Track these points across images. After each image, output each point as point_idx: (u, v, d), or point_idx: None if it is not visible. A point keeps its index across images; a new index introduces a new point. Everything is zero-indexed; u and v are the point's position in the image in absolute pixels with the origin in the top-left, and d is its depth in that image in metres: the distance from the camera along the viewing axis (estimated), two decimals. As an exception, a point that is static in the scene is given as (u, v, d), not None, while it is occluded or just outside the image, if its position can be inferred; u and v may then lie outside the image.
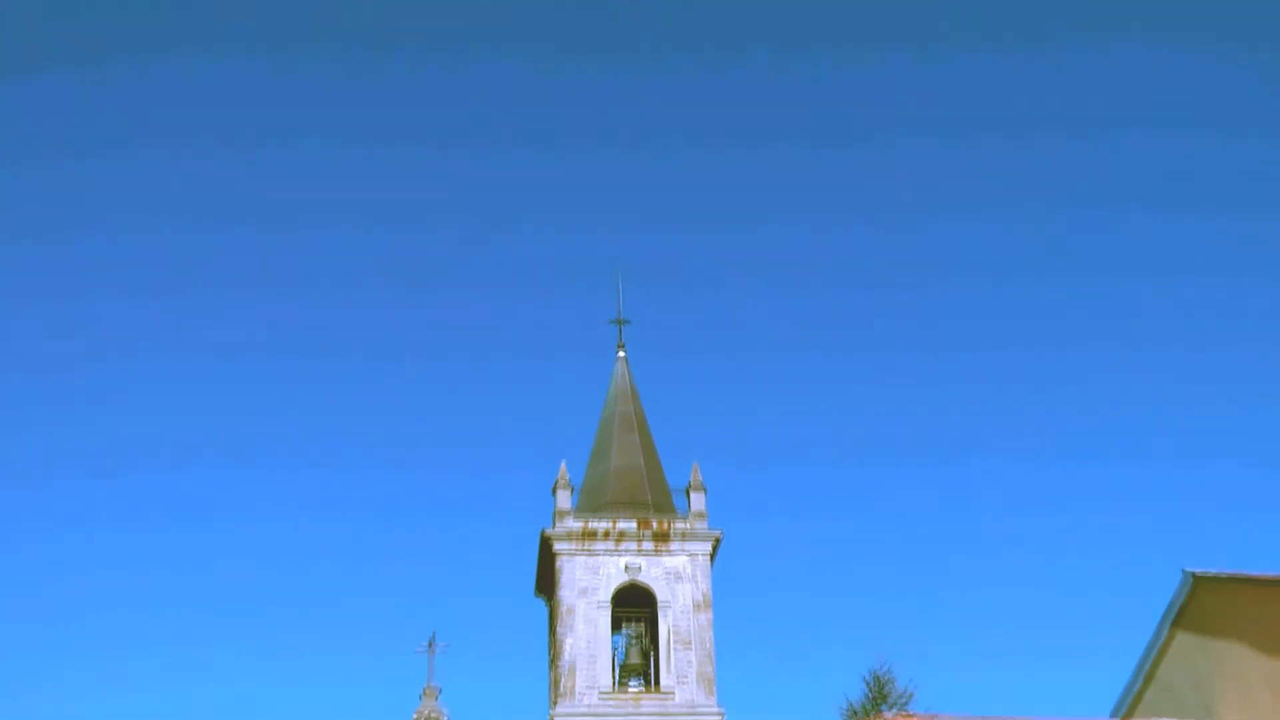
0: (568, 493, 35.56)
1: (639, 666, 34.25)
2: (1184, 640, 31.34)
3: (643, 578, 34.67)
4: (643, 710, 33.10)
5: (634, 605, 34.60)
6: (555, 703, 33.37)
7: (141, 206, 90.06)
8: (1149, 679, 32.94)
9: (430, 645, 23.96)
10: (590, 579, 34.46)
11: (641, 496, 36.04)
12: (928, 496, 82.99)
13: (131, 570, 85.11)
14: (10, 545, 79.52)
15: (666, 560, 34.81)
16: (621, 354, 40.08)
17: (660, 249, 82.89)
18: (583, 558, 34.60)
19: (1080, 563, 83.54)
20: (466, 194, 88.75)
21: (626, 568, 34.70)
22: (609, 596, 34.34)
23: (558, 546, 34.59)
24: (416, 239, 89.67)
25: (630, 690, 33.78)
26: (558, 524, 34.89)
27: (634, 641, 34.50)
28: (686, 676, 33.46)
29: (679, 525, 35.19)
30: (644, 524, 35.03)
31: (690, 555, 34.82)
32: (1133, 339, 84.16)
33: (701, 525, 35.28)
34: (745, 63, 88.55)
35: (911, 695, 42.61)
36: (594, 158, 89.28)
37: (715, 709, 33.10)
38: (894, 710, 40.46)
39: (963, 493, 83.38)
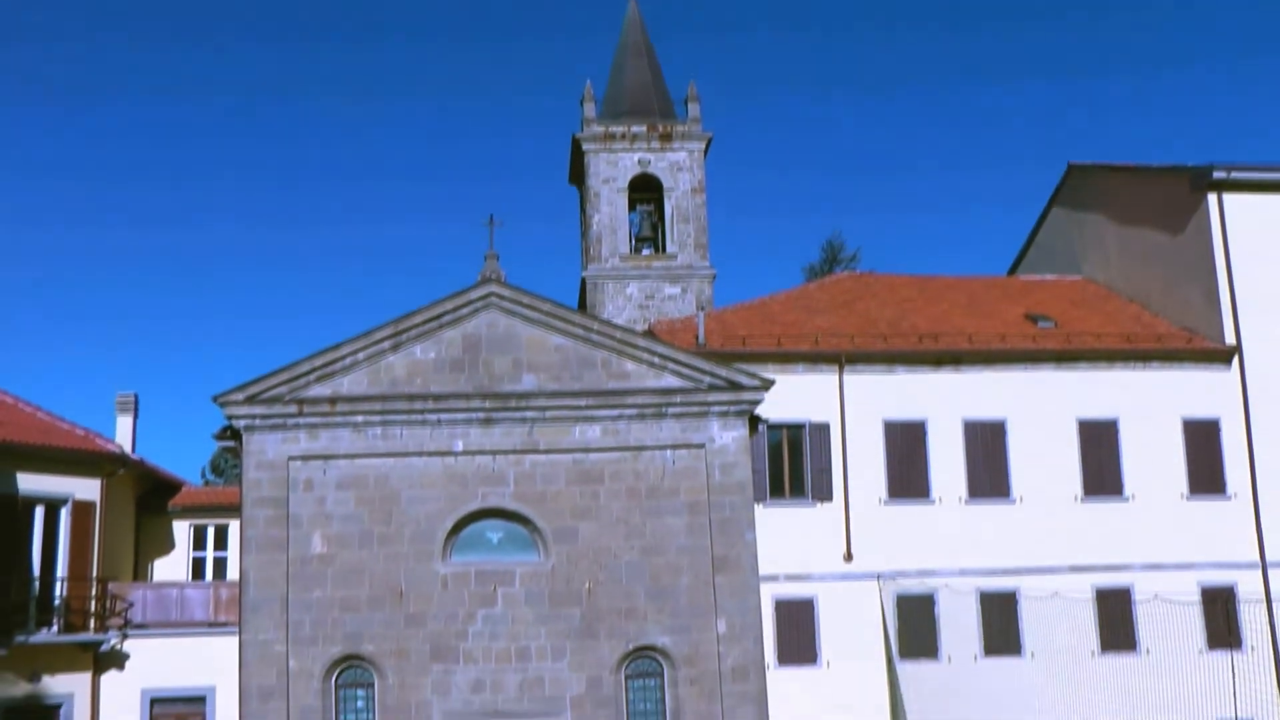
0: (592, 105, 42.42)
1: (650, 237, 41.99)
2: (1061, 213, 39.58)
3: (651, 169, 41.83)
4: (653, 270, 41.07)
5: (645, 191, 42.06)
6: (586, 266, 41.44)
7: None
8: (1032, 243, 41.65)
9: (490, 221, 26.32)
10: (611, 171, 41.71)
11: (650, 106, 43.00)
12: (872, 111, 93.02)
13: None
14: None
15: (670, 155, 41.89)
16: (633, -6, 45.96)
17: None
18: (605, 154, 41.72)
19: (989, 154, 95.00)
20: None
21: (639, 162, 41.80)
22: (626, 184, 41.61)
23: (585, 146, 41.85)
24: None
25: (643, 255, 41.56)
26: (585, 129, 42.04)
27: (645, 218, 42.07)
28: (686, 244, 41.28)
29: (679, 128, 42.08)
30: (652, 128, 41.97)
31: (688, 151, 41.94)
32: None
33: (696, 128, 42.25)
34: None
35: (857, 258, 52.31)
36: None
37: (708, 268, 41.16)
38: (842, 268, 50.15)
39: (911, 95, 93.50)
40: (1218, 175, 31.31)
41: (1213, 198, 31.65)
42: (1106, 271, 36.46)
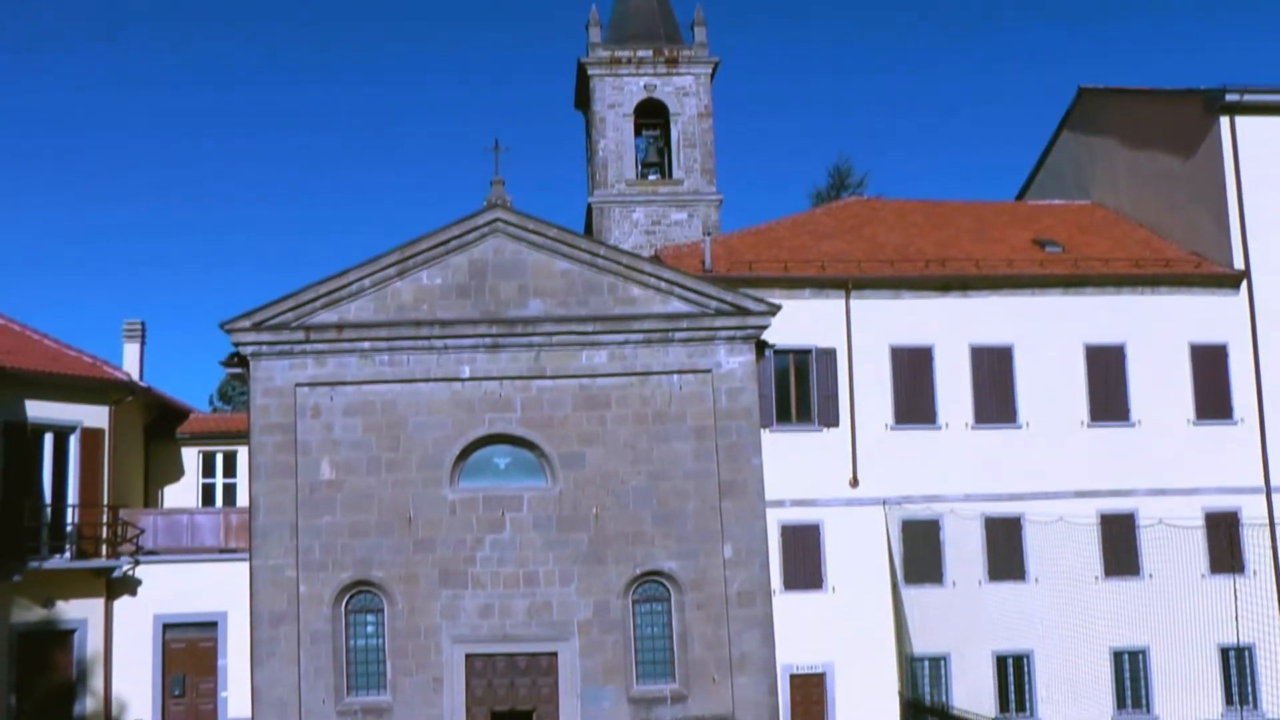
0: (597, 29, 41.89)
1: (656, 163, 41.66)
2: (1071, 137, 39.28)
3: (658, 94, 41.43)
4: (659, 196, 40.84)
5: (651, 116, 41.70)
6: (592, 191, 41.23)
7: None
8: (1041, 168, 41.38)
9: (495, 146, 25.99)
10: (617, 96, 41.32)
11: (656, 31, 42.44)
12: (881, 34, 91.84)
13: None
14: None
15: (676, 80, 41.44)
16: (638, -82, 44.99)
17: None
18: (610, 79, 41.32)
19: (998, 79, 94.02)
20: None
21: (645, 87, 41.37)
22: (632, 109, 41.25)
23: (591, 71, 41.39)
24: None
25: (649, 181, 41.31)
26: (591, 54, 41.53)
27: (652, 143, 41.72)
28: (692, 169, 41.01)
29: (685, 52, 41.61)
30: (658, 52, 41.52)
31: (695, 76, 41.49)
32: None
33: (703, 52, 41.74)
34: None
35: (865, 183, 51.98)
36: None
37: (714, 193, 40.95)
38: (849, 194, 49.86)
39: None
40: (1230, 98, 30.98)
41: (1225, 121, 31.38)
42: (1115, 196, 36.23)
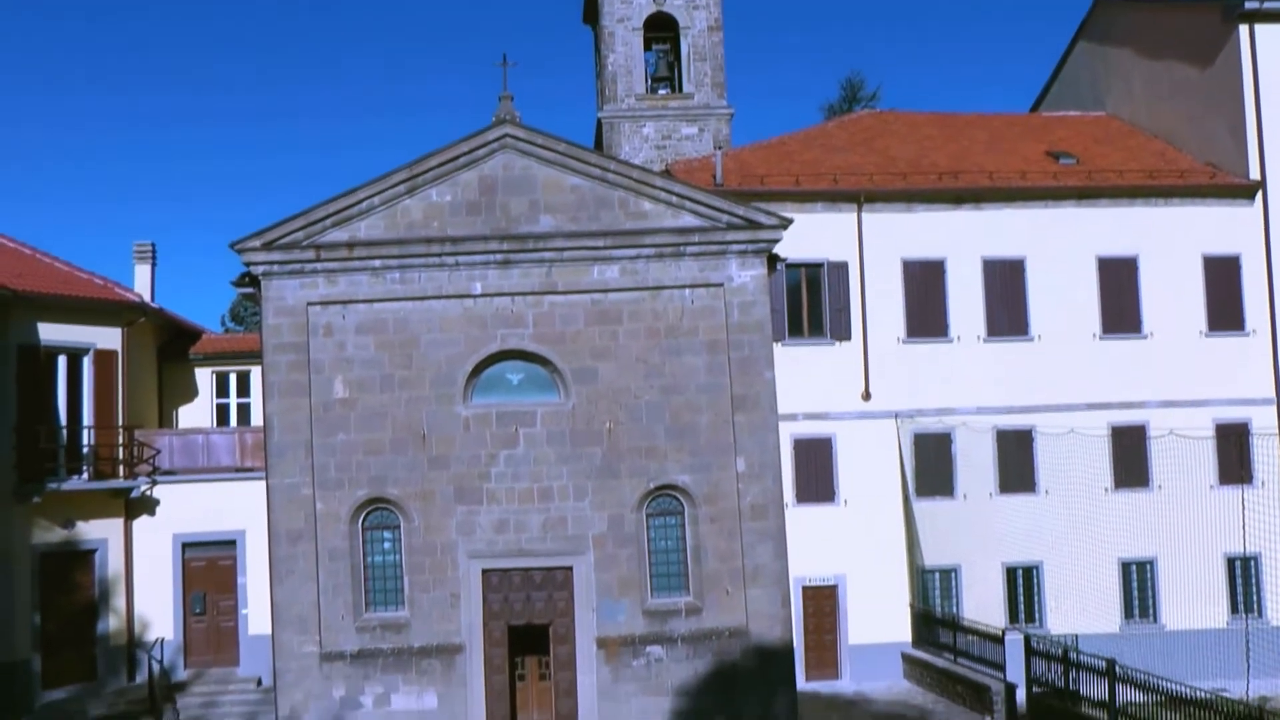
0: (605, -61, 41.38)
1: (666, 77, 41.35)
2: (1086, 48, 38.78)
3: (667, 7, 40.92)
4: (669, 110, 40.58)
5: (661, 29, 41.29)
6: (602, 106, 40.94)
7: None
8: (1056, 79, 40.90)
9: (503, 62, 25.74)
10: (625, 10, 40.84)
11: (664, -59, 41.93)
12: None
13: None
14: None
15: (685, -5, 41.12)
16: None
17: None
18: (618, -5, 40.95)
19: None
20: None
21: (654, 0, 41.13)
22: (641, 23, 40.81)
23: (599, -8, 41.06)
24: None
25: (659, 95, 41.03)
26: (598, -35, 41.20)
27: (662, 57, 41.36)
28: (702, 83, 40.69)
29: (694, -36, 41.08)
30: (666, -37, 41.06)
31: (704, -12, 41.09)
32: None
33: (712, -36, 41.24)
34: None
35: (878, 96, 51.41)
36: None
37: (725, 107, 40.70)
38: (862, 107, 49.34)
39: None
40: (1250, 5, 30.54)
41: (1244, 29, 30.95)
42: (1131, 107, 35.85)
